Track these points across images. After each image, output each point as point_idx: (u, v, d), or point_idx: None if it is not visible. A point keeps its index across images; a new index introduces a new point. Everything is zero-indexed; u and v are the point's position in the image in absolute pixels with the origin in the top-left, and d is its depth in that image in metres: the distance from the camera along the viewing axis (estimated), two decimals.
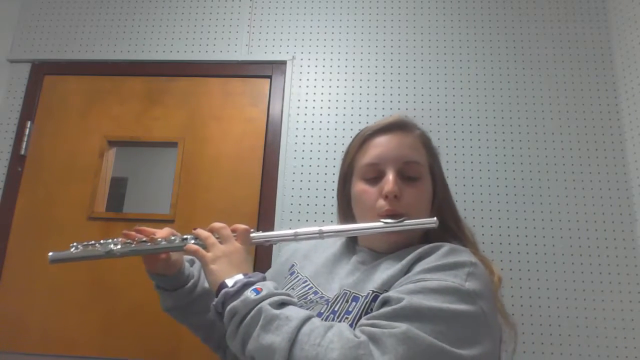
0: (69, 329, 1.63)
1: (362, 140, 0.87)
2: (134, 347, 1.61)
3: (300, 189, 1.71)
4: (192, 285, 0.92)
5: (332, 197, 1.68)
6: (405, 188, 0.80)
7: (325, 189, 1.70)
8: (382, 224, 0.78)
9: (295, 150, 1.75)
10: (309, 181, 1.71)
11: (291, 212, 1.69)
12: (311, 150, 1.74)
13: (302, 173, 1.72)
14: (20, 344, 1.62)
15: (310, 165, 1.72)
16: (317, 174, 1.72)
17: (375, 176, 0.82)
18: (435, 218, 0.78)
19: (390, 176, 0.80)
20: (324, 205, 1.68)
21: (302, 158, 1.74)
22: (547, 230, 1.62)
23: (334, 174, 1.70)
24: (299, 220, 1.67)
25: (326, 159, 1.73)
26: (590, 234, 1.61)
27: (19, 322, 1.64)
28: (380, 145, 0.84)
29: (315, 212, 1.68)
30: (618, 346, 1.51)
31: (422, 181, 0.83)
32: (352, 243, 0.91)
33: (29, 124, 1.83)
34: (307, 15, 1.90)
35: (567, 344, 1.52)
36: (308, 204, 1.69)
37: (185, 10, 1.95)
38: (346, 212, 0.89)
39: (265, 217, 1.68)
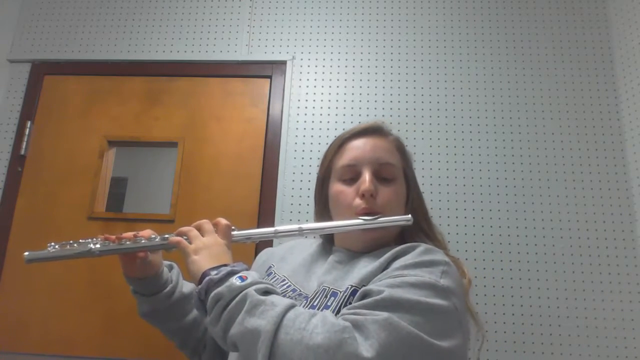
0: (69, 329, 1.63)
1: (340, 143, 0.92)
2: (134, 347, 1.61)
3: (300, 189, 1.71)
4: (171, 290, 0.92)
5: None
6: (381, 188, 0.84)
7: None
8: (360, 221, 0.81)
9: (295, 150, 1.75)
10: (309, 181, 1.71)
11: (291, 212, 1.69)
12: (311, 150, 1.74)
13: (302, 173, 1.72)
14: (20, 344, 1.62)
15: (310, 165, 1.73)
16: (317, 174, 1.71)
17: (352, 177, 0.86)
18: (410, 215, 0.83)
19: (366, 176, 0.83)
20: None
21: (302, 158, 1.74)
22: (547, 230, 1.62)
23: None
24: (299, 220, 1.67)
25: None
26: (590, 234, 1.61)
27: (19, 322, 1.64)
28: (357, 147, 0.88)
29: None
30: (618, 346, 1.51)
31: (396, 182, 0.86)
32: (328, 244, 0.94)
33: (29, 124, 1.83)
34: (307, 15, 1.90)
35: (567, 344, 1.52)
36: (308, 204, 1.69)
37: (185, 10, 1.95)
38: (323, 213, 0.92)
39: (265, 217, 1.68)
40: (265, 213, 1.69)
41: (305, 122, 1.78)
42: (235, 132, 1.80)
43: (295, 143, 1.76)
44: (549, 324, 1.54)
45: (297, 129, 1.77)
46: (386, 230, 0.84)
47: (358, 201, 0.83)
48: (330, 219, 0.90)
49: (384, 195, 0.83)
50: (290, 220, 1.68)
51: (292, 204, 1.69)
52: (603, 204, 1.64)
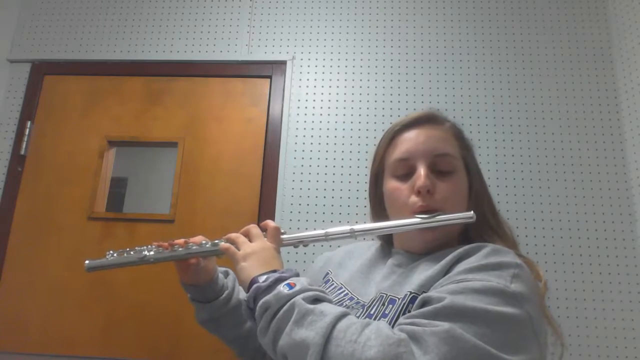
0: (69, 329, 1.63)
1: (391, 136, 0.84)
2: (135, 347, 1.61)
3: (300, 189, 1.71)
4: (227, 297, 0.90)
5: (333, 197, 1.68)
6: (439, 182, 0.77)
7: (325, 189, 1.70)
8: (416, 219, 0.75)
9: (295, 150, 1.75)
10: (309, 181, 1.71)
11: (291, 212, 1.69)
12: (311, 150, 1.74)
13: (302, 173, 1.72)
14: (20, 344, 1.62)
15: (310, 165, 1.72)
16: (317, 174, 1.72)
17: (406, 172, 0.79)
18: (472, 212, 0.75)
19: (421, 170, 0.76)
20: (324, 205, 1.68)
21: (302, 158, 1.74)
22: (547, 230, 1.62)
23: (334, 174, 1.70)
24: (299, 220, 1.67)
25: (326, 159, 1.73)
26: (590, 234, 1.61)
27: (19, 322, 1.64)
28: (409, 139, 0.81)
29: (316, 212, 1.68)
30: (618, 346, 1.51)
31: (456, 174, 0.79)
32: (387, 246, 0.88)
33: (29, 124, 1.83)
34: (307, 15, 1.90)
35: (567, 344, 1.52)
36: (308, 204, 1.69)
37: (185, 10, 1.95)
38: (379, 212, 0.86)
39: (265, 217, 1.68)
40: (265, 213, 1.69)
41: (305, 122, 1.78)
42: (235, 132, 1.80)
43: (295, 143, 1.76)
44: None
45: (297, 129, 1.77)
46: (448, 229, 0.76)
47: (414, 198, 0.76)
48: (387, 218, 0.83)
49: (443, 190, 0.76)
50: (290, 220, 1.68)
51: (292, 204, 1.69)
52: (603, 204, 1.64)
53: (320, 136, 1.76)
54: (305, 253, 1.58)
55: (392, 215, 0.82)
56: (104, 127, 1.84)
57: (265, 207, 1.70)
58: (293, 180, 1.72)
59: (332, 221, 1.66)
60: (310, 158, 1.73)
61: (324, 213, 1.67)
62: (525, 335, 0.61)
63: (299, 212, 1.68)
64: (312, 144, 1.75)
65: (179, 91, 1.86)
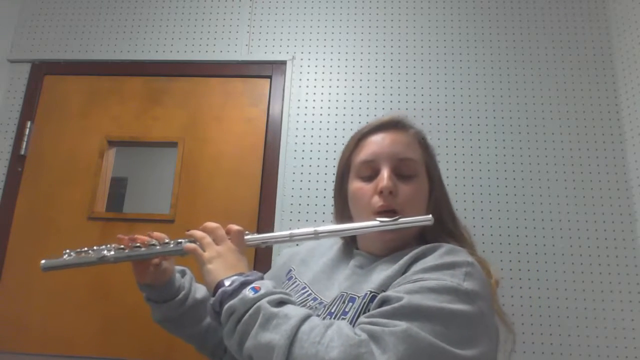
0: (68, 329, 1.63)
1: (358, 138, 0.87)
2: (133, 348, 1.61)
3: (300, 189, 1.71)
4: (183, 297, 0.90)
5: (333, 197, 1.68)
6: (401, 185, 0.80)
7: (325, 189, 1.70)
8: (377, 222, 0.77)
9: (295, 150, 1.75)
10: (309, 181, 1.71)
11: (291, 212, 1.69)
12: (311, 150, 1.74)
13: (302, 173, 1.72)
14: (20, 344, 1.62)
15: (310, 165, 1.72)
16: (317, 174, 1.72)
17: (370, 174, 0.82)
18: (430, 215, 0.78)
19: (384, 172, 0.80)
20: (324, 205, 1.68)
21: (302, 158, 1.74)
22: (547, 230, 1.62)
23: (333, 174, 1.68)
24: (298, 220, 1.67)
25: (326, 159, 1.73)
26: (590, 234, 1.61)
27: (18, 322, 1.64)
28: (375, 143, 0.84)
29: (315, 212, 1.68)
30: (618, 346, 1.51)
31: (417, 179, 0.82)
32: (349, 247, 0.90)
33: (29, 124, 1.83)
34: (307, 15, 1.90)
35: (567, 344, 1.52)
36: (308, 204, 1.69)
37: (185, 10, 1.95)
38: (343, 212, 0.89)
39: (265, 217, 1.68)
40: (265, 213, 1.69)
41: (305, 122, 1.78)
42: (235, 132, 1.80)
43: (295, 143, 1.76)
44: (549, 324, 1.54)
45: (297, 129, 1.77)
46: (407, 231, 0.79)
47: (376, 199, 0.79)
48: (350, 217, 0.86)
49: (404, 193, 0.79)
50: (290, 220, 1.68)
51: (292, 204, 1.69)
52: (603, 204, 1.64)
53: (320, 136, 1.76)
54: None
55: (355, 214, 0.85)
56: (104, 127, 1.84)
57: (265, 207, 1.70)
58: (293, 180, 1.72)
59: (331, 221, 1.65)
60: (310, 158, 1.73)
61: (324, 213, 1.67)
62: (477, 331, 0.64)
63: (299, 212, 1.68)
64: (312, 144, 1.75)
65: (178, 91, 1.86)
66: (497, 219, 1.64)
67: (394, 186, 0.79)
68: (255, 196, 1.72)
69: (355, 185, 0.84)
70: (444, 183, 0.88)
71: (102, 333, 1.63)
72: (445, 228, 0.83)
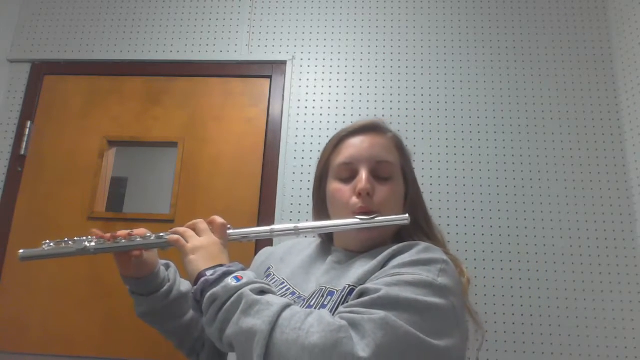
0: (69, 328, 1.63)
1: (337, 141, 0.90)
2: (134, 347, 1.61)
3: (300, 189, 1.71)
4: (168, 289, 0.91)
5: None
6: (378, 186, 0.83)
7: None
8: (356, 220, 0.80)
9: (295, 150, 1.75)
10: (309, 181, 1.71)
11: (291, 212, 1.69)
12: (311, 150, 1.74)
13: (302, 173, 1.72)
14: (20, 344, 1.62)
15: (310, 165, 1.72)
16: (315, 172, 1.71)
17: (349, 176, 0.85)
18: (407, 215, 0.81)
19: (363, 174, 0.83)
20: None
21: (302, 158, 1.74)
22: (547, 230, 1.62)
23: None
24: (299, 220, 1.67)
25: None
26: (590, 234, 1.61)
27: (19, 322, 1.64)
28: (354, 145, 0.87)
29: None
30: (618, 346, 1.51)
31: (394, 181, 0.85)
32: (327, 244, 0.93)
33: (29, 124, 1.83)
34: (307, 15, 1.90)
35: (567, 343, 1.52)
36: (308, 204, 1.68)
37: (185, 10, 1.95)
38: (321, 211, 0.92)
39: (265, 217, 1.68)
40: (265, 213, 1.69)
41: (305, 122, 1.78)
42: (235, 132, 1.80)
43: (295, 143, 1.76)
44: (549, 324, 1.54)
45: (297, 129, 1.77)
46: (383, 230, 0.83)
47: (355, 200, 0.82)
48: (328, 217, 0.89)
49: (381, 194, 0.83)
50: (290, 220, 1.68)
51: (292, 204, 1.69)
52: (603, 204, 1.64)
53: (320, 136, 1.76)
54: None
55: (333, 214, 0.87)
56: (103, 127, 1.84)
57: (265, 207, 1.70)
58: (293, 180, 1.72)
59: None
60: (310, 158, 1.73)
61: None
62: (449, 323, 0.68)
63: (299, 212, 1.68)
64: (312, 144, 1.75)
65: (178, 91, 1.86)
66: (497, 219, 1.64)
67: (371, 188, 0.82)
68: (255, 196, 1.72)
69: (334, 186, 0.87)
70: (419, 185, 0.92)
71: (103, 332, 1.63)
72: (420, 228, 0.87)
